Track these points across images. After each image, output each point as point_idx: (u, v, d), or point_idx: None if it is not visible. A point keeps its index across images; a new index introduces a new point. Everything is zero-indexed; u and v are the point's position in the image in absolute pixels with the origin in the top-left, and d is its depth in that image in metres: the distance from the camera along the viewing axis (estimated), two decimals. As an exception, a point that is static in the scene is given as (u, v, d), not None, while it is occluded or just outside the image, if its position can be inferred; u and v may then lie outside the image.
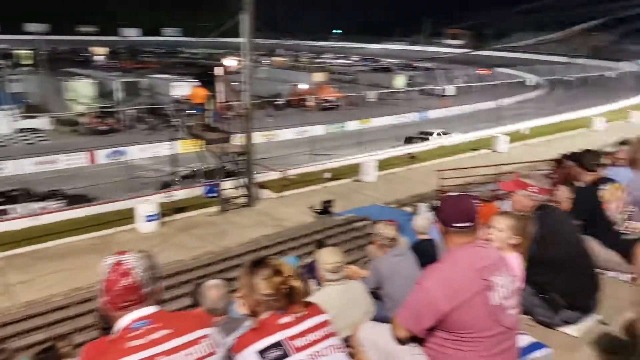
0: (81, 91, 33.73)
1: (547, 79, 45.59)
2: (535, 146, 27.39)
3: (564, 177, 5.24)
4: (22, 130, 28.21)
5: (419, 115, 38.03)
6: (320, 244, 9.63)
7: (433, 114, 36.81)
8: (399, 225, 7.70)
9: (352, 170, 22.52)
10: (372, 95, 41.09)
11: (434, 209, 11.22)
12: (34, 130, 29.75)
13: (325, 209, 15.56)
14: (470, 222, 2.27)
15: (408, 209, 15.65)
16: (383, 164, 23.37)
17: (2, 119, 26.89)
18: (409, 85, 51.87)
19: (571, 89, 39.44)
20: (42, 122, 30.83)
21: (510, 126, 32.10)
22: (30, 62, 61.83)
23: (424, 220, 5.29)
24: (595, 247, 3.78)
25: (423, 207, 14.12)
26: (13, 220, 15.41)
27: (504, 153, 25.39)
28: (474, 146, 26.78)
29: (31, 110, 34.92)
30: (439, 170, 16.01)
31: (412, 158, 23.68)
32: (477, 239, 2.34)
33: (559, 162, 6.46)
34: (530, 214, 3.29)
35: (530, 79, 49.50)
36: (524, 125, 31.26)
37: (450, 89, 43.29)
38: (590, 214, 3.94)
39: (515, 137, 28.39)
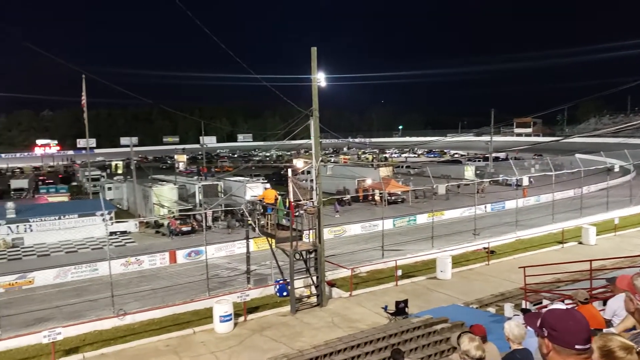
0: (165, 195, 36.46)
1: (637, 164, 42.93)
2: (629, 237, 25.17)
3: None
4: (113, 233, 30.58)
5: (494, 206, 36.87)
6: (398, 353, 9.04)
7: (509, 204, 35.53)
8: (485, 332, 7.15)
9: (426, 267, 21.73)
10: (442, 187, 40.63)
11: (524, 311, 10.33)
12: (123, 232, 32.29)
13: (400, 310, 14.84)
14: (590, 343, 2.07)
15: (491, 309, 14.56)
16: (458, 259, 22.38)
17: (99, 223, 29.50)
18: (478, 176, 51.01)
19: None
20: (130, 225, 33.44)
21: (596, 216, 30.03)
22: (122, 171, 68.84)
23: (519, 328, 4.79)
24: None
25: (509, 308, 13.08)
26: (101, 320, 16.14)
27: (593, 246, 23.51)
28: (558, 239, 25.08)
29: (122, 214, 38.25)
30: (522, 267, 14.97)
31: (490, 253, 22.47)
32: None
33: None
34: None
35: (616, 164, 46.99)
36: (613, 215, 29.01)
37: (525, 179, 41.92)
38: None
39: (603, 227, 26.37)
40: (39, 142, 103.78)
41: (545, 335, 2.17)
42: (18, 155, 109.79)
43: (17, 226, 30.45)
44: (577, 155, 39.65)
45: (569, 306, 10.34)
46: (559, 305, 8.84)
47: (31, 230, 30.74)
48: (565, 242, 24.31)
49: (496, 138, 71.53)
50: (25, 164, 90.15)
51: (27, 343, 14.61)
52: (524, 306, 13.03)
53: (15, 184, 53.95)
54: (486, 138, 69.53)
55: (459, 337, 4.40)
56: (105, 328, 15.84)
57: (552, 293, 13.37)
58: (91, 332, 15.58)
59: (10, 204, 31.46)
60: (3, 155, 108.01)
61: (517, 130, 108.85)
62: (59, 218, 31.71)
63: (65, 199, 43.27)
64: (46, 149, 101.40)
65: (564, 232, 25.17)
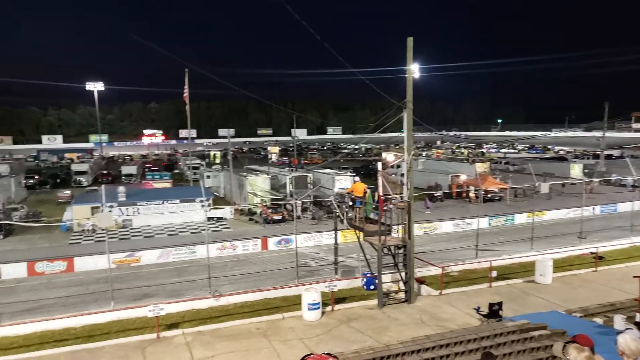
0: (259, 185, 37.98)
1: None
2: None
3: None
4: (210, 219, 32.52)
5: (605, 208, 33.60)
6: (489, 356, 8.50)
7: (623, 207, 32.17)
8: (593, 343, 6.45)
9: (523, 269, 20.39)
10: (545, 186, 37.76)
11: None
12: (219, 219, 34.22)
13: (493, 312, 14.05)
14: None
15: (598, 320, 13.25)
16: (561, 264, 20.71)
17: (198, 209, 31.59)
18: (587, 174, 46.72)
19: None
20: (225, 212, 35.33)
21: None
22: (219, 160, 72.94)
23: (637, 343, 4.23)
24: None
25: (620, 320, 11.81)
26: (199, 300, 17.26)
27: None
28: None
29: (219, 201, 40.54)
30: (638, 276, 13.43)
31: (598, 259, 20.48)
32: None
33: None
34: None
35: None
36: None
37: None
38: None
39: None
40: (146, 132, 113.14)
41: None
42: (128, 143, 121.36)
43: (127, 209, 33.49)
44: None
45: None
46: (687, 322, 7.76)
47: (138, 213, 33.65)
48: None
49: (610, 134, 64.67)
50: (134, 152, 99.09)
51: (135, 315, 16.03)
52: (639, 319, 11.67)
53: (125, 170, 59.65)
54: (598, 134, 63.12)
55: (564, 346, 3.99)
56: (202, 307, 16.88)
57: (675, 308, 11.82)
58: (190, 310, 16.71)
59: (121, 188, 34.70)
60: (115, 143, 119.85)
61: (635, 126, 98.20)
62: (163, 203, 34.35)
63: (168, 185, 46.75)
64: (152, 138, 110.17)
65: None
